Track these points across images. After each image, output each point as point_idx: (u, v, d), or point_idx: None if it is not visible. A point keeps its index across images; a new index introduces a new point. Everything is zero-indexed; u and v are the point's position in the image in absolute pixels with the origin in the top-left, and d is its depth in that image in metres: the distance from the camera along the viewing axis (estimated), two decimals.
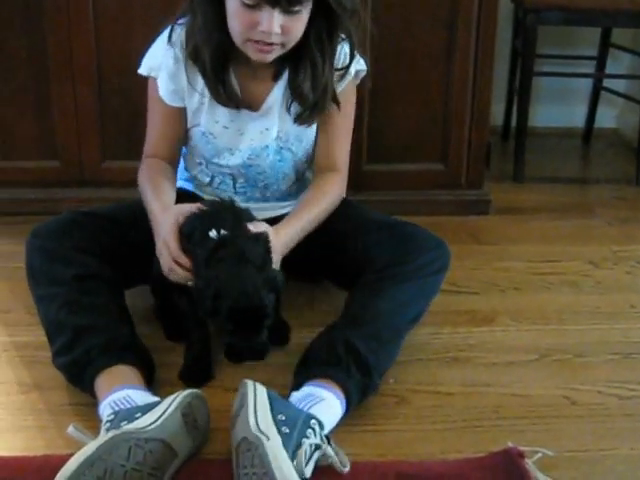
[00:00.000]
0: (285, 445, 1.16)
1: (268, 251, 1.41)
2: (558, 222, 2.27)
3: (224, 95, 1.53)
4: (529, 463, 1.25)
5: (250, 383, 1.28)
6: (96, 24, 2.06)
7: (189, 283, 1.43)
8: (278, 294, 1.39)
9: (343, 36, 1.54)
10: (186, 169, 1.74)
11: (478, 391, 1.49)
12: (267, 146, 1.62)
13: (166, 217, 1.46)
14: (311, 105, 1.55)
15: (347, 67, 1.58)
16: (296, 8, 1.40)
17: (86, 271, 1.49)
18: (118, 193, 2.05)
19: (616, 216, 2.33)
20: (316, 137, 1.65)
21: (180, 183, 1.72)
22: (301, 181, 1.72)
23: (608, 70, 2.89)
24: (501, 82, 2.66)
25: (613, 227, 2.26)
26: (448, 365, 1.57)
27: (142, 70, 1.61)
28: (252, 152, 1.63)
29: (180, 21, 1.54)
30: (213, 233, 1.39)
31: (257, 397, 1.25)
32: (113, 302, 1.50)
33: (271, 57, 1.48)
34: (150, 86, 1.61)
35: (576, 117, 3.05)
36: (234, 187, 1.69)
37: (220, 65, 1.51)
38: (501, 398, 1.47)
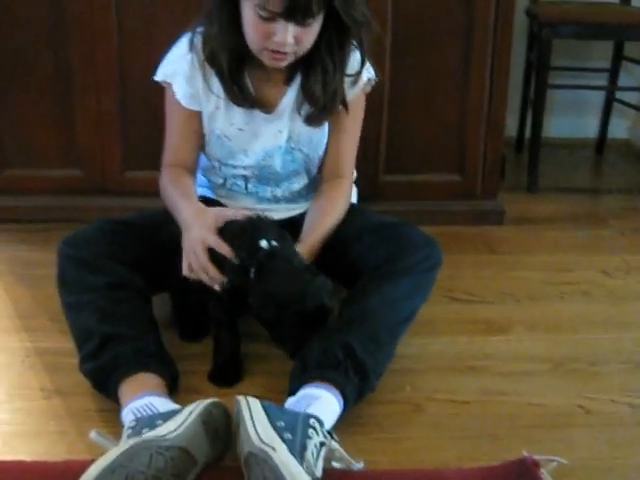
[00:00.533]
0: (291, 451, 1.17)
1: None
2: (571, 232, 2.29)
3: (240, 96, 1.58)
4: (544, 472, 1.25)
5: (242, 398, 1.28)
6: (119, 38, 2.10)
7: (215, 287, 1.45)
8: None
9: (355, 43, 1.58)
10: (202, 174, 1.78)
11: (494, 400, 1.50)
12: (280, 147, 1.66)
13: (205, 217, 1.49)
14: (321, 107, 1.59)
15: (358, 73, 1.62)
16: (309, 21, 1.45)
17: (117, 280, 1.51)
18: (139, 202, 2.08)
19: (629, 226, 2.34)
20: (327, 143, 1.69)
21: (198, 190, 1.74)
22: (312, 183, 1.75)
23: (621, 82, 2.92)
24: (515, 94, 2.68)
25: (626, 237, 2.28)
26: (464, 374, 1.58)
27: (157, 77, 1.65)
28: (266, 153, 1.67)
29: (198, 29, 1.58)
30: (264, 243, 1.41)
31: (252, 410, 1.25)
32: (141, 311, 1.52)
33: (284, 64, 1.53)
34: (167, 93, 1.65)
35: (589, 128, 3.07)
36: (246, 188, 1.73)
37: (236, 68, 1.56)
38: (516, 407, 1.47)
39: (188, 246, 1.49)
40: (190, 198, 1.59)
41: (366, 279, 1.56)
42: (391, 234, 1.62)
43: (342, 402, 1.37)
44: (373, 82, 1.70)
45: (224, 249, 1.44)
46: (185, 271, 1.49)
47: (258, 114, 1.63)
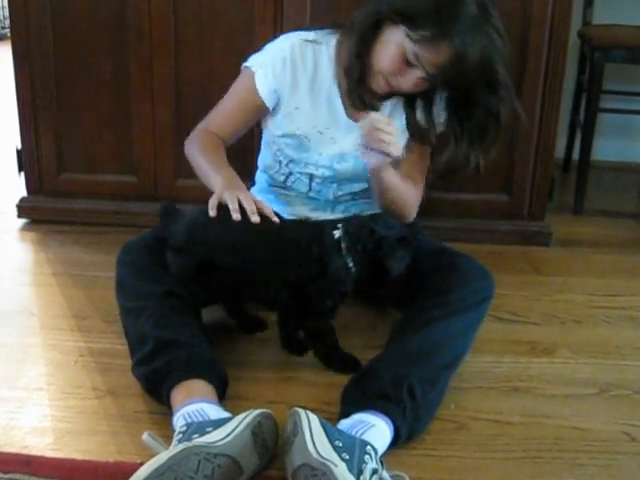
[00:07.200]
0: (350, 471, 1.18)
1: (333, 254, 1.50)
2: (618, 256, 2.28)
3: (358, 101, 1.64)
4: None
5: (302, 411, 1.29)
6: (176, 49, 2.14)
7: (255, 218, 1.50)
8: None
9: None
10: (263, 171, 1.82)
11: (538, 422, 1.49)
12: (356, 156, 1.67)
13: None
14: (462, 170, 1.67)
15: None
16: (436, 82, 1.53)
17: (173, 289, 1.54)
18: (190, 210, 2.12)
19: None
20: None
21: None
22: (369, 190, 1.75)
23: None
24: (563, 114, 2.67)
25: None
26: (508, 394, 1.58)
27: (248, 62, 1.70)
28: (341, 158, 1.70)
29: (303, 33, 1.66)
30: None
31: (311, 424, 1.26)
32: (194, 320, 1.55)
33: (386, 93, 1.61)
34: (244, 76, 1.70)
35: (636, 153, 3.05)
36: (309, 186, 1.75)
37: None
38: (561, 430, 1.47)
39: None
40: (221, 165, 1.64)
41: (419, 308, 1.55)
42: (445, 262, 1.62)
43: (393, 436, 1.37)
44: None
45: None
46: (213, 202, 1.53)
47: (343, 121, 1.68)
